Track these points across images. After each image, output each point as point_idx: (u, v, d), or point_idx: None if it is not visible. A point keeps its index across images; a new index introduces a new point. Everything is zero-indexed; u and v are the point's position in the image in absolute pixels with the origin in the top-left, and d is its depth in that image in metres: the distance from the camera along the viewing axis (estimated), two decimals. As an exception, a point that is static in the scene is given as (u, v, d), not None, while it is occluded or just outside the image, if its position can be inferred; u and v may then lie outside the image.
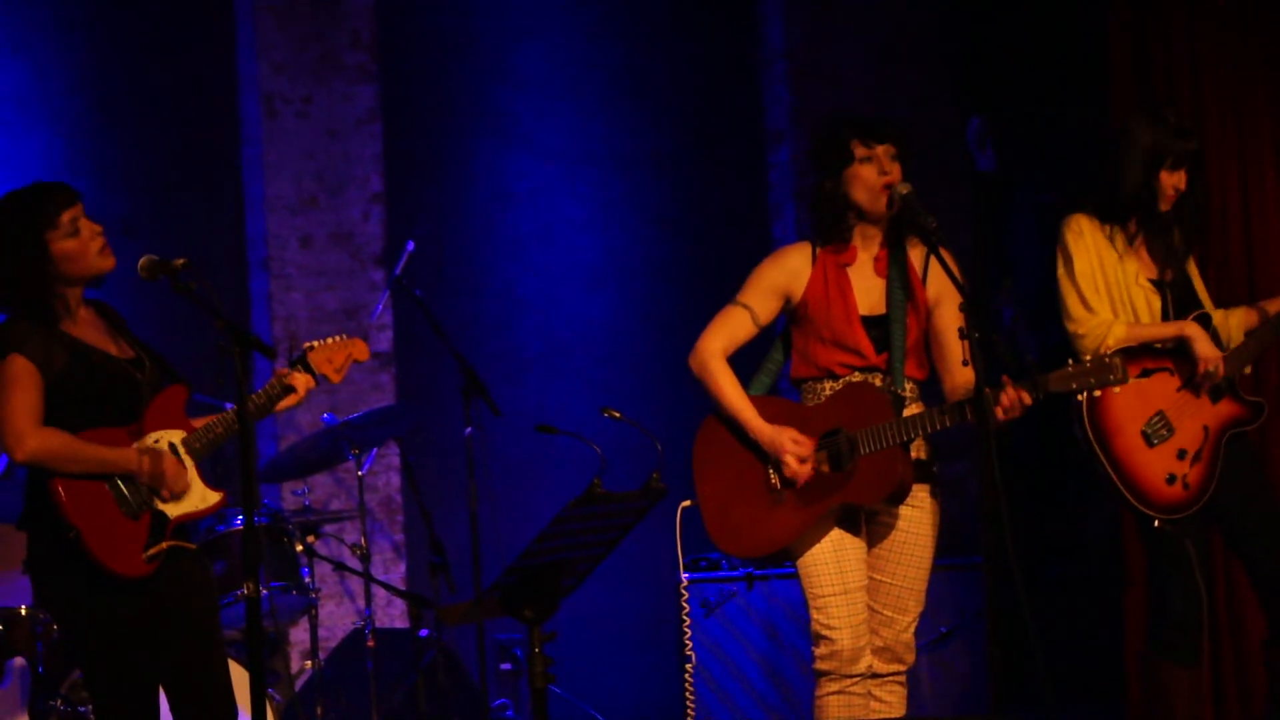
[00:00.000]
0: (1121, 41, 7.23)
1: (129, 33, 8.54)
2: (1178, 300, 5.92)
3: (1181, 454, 5.81)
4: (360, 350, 5.46)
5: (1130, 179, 5.86)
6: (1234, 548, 6.13)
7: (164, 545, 5.09)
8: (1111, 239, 5.90)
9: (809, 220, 5.59)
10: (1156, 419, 5.82)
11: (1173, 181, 5.87)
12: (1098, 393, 5.66)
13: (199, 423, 5.22)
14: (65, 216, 5.07)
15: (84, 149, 8.35)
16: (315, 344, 5.41)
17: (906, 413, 5.40)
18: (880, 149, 5.45)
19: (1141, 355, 5.81)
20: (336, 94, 8.59)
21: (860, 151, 5.45)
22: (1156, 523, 5.80)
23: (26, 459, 4.99)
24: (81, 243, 5.08)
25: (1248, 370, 6.03)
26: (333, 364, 5.40)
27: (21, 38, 8.35)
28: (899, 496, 5.41)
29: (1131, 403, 5.77)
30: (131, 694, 5.07)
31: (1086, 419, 5.80)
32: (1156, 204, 5.87)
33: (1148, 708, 6.14)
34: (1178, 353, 5.84)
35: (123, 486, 5.06)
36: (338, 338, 5.45)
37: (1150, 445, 5.81)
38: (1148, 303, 5.90)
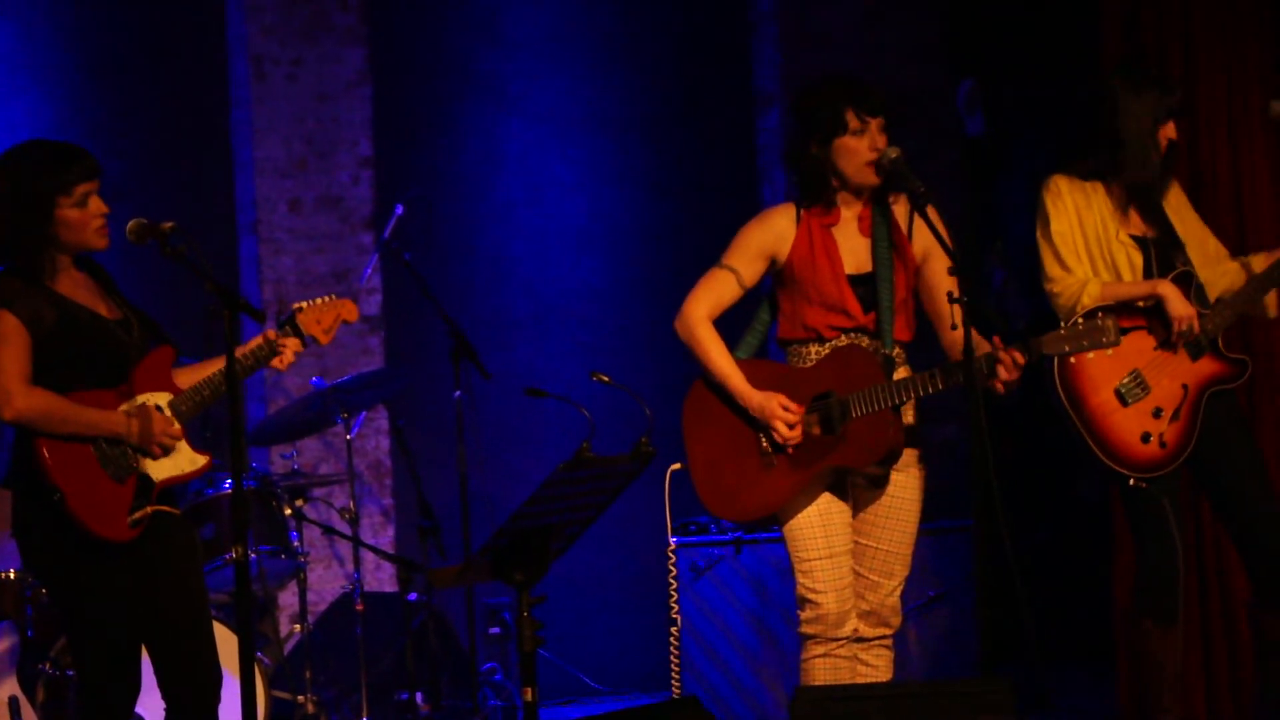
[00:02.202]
0: (1112, 3, 7.19)
1: (117, -6, 8.51)
2: (1162, 257, 5.91)
3: (1158, 412, 5.80)
4: (349, 311, 5.44)
5: (1132, 138, 5.84)
6: (1217, 507, 6.13)
7: (149, 510, 5.08)
8: (1095, 197, 5.89)
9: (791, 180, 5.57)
10: (1131, 378, 5.81)
11: (1166, 134, 5.88)
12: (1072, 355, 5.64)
13: (184, 380, 5.21)
14: (81, 188, 5.06)
15: (72, 111, 8.32)
16: (304, 305, 5.38)
17: (896, 376, 5.39)
18: (874, 122, 5.40)
19: (1118, 314, 5.79)
20: (326, 56, 8.56)
21: (854, 124, 5.40)
22: (1132, 481, 5.81)
23: (14, 418, 4.99)
24: (85, 216, 5.07)
25: (1263, 313, 6.00)
26: (321, 325, 5.37)
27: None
28: (891, 459, 5.40)
29: (1106, 362, 5.76)
30: (114, 657, 5.08)
31: (1058, 379, 5.79)
32: (1157, 159, 5.87)
33: (1135, 668, 6.15)
34: (1155, 311, 5.83)
35: (108, 449, 5.05)
36: (326, 298, 5.42)
37: (1125, 404, 5.80)
38: (1129, 259, 5.90)
